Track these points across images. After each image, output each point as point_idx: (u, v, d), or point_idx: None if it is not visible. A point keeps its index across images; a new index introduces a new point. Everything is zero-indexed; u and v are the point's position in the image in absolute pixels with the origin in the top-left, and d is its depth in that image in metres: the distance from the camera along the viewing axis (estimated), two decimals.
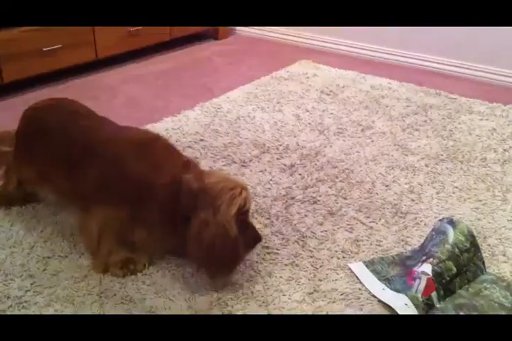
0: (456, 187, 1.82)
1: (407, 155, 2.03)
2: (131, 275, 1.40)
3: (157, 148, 1.40)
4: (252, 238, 1.37)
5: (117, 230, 1.39)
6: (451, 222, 1.45)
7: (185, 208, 1.30)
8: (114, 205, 1.35)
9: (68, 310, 1.29)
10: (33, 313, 1.28)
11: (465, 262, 1.38)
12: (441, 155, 2.03)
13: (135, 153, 1.36)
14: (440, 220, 1.50)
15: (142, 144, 1.39)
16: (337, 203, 1.74)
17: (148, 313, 1.29)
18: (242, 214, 1.32)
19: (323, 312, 1.31)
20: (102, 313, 1.28)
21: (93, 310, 1.30)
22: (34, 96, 2.46)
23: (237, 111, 2.35)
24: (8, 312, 1.28)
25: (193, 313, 1.29)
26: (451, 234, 1.41)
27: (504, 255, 1.51)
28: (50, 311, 1.29)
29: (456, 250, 1.38)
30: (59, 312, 1.28)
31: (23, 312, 1.29)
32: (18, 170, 1.59)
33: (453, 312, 1.29)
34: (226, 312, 1.30)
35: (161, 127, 2.16)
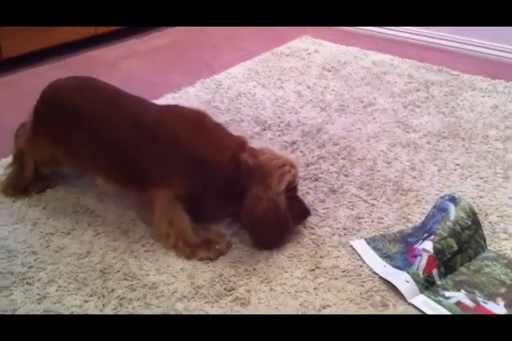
0: (458, 165, 1.82)
1: (408, 132, 2.03)
2: (218, 256, 1.41)
3: (209, 126, 1.45)
4: (301, 212, 1.48)
5: (184, 209, 1.42)
6: (453, 199, 1.45)
7: (241, 184, 1.38)
8: (179, 185, 1.40)
9: (72, 286, 1.30)
10: (36, 289, 1.29)
11: (466, 239, 1.39)
12: (443, 132, 2.02)
13: (191, 133, 1.40)
14: (441, 197, 1.50)
15: (194, 123, 1.43)
16: (338, 180, 1.74)
17: (150, 289, 1.30)
18: (291, 189, 1.42)
19: (325, 289, 1.32)
20: (105, 288, 1.29)
21: (96, 285, 1.31)
22: (33, 72, 2.45)
23: (238, 88, 2.33)
24: (12, 289, 1.29)
25: (195, 289, 1.30)
26: (453, 211, 1.41)
27: (505, 232, 1.51)
28: (54, 287, 1.30)
29: (458, 227, 1.38)
30: (62, 288, 1.30)
31: (26, 287, 1.29)
32: (38, 151, 1.55)
33: (454, 290, 1.30)
34: (228, 288, 1.31)
35: (162, 103, 2.14)
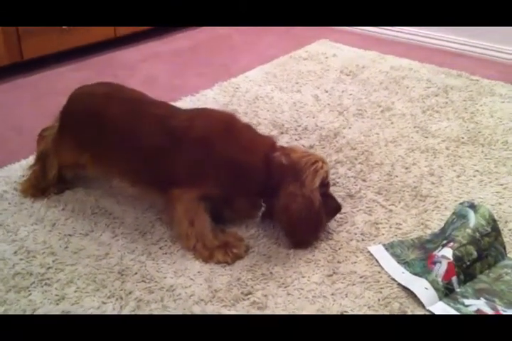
0: (477, 171, 1.81)
1: (427, 137, 2.01)
2: (235, 260, 1.41)
3: (238, 127, 1.46)
4: (333, 207, 1.50)
5: (207, 210, 1.43)
6: (472, 206, 1.44)
7: (274, 181, 1.40)
8: (207, 186, 1.41)
9: (90, 288, 1.31)
10: (55, 290, 1.30)
11: (486, 246, 1.37)
12: (462, 137, 2.01)
13: (223, 136, 1.42)
14: (461, 204, 1.48)
15: (225, 126, 1.44)
16: (356, 185, 1.73)
17: (168, 292, 1.31)
18: (325, 185, 1.44)
19: (343, 294, 1.31)
20: (123, 290, 1.30)
21: (115, 286, 1.31)
22: (53, 74, 2.47)
23: (256, 91, 2.34)
24: (31, 289, 1.30)
25: (213, 292, 1.31)
26: (472, 218, 1.40)
27: None
28: (72, 288, 1.30)
29: (477, 234, 1.37)
30: (80, 290, 1.30)
31: (45, 288, 1.30)
32: (63, 155, 1.56)
33: (473, 298, 1.29)
34: (245, 292, 1.31)
35: (180, 106, 2.14)
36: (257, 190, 1.43)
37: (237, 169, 1.40)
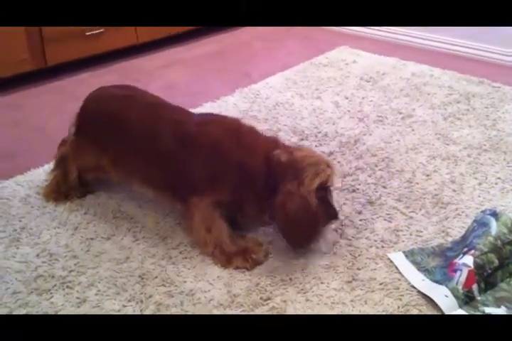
0: (499, 178, 1.79)
1: (448, 144, 2.00)
2: (254, 266, 1.41)
3: (245, 131, 1.47)
4: (329, 215, 1.43)
5: (225, 216, 1.44)
6: (494, 214, 1.43)
7: (273, 179, 1.37)
8: (219, 192, 1.41)
9: (111, 291, 1.32)
10: (76, 293, 1.32)
11: (507, 255, 1.36)
12: (484, 145, 1.99)
13: (231, 141, 1.43)
14: (482, 212, 1.47)
15: (233, 131, 1.45)
16: (376, 192, 1.73)
17: (188, 296, 1.31)
18: (323, 189, 1.39)
19: (362, 301, 1.31)
20: (143, 294, 1.31)
21: (135, 290, 1.32)
22: (76, 80, 2.50)
23: (276, 98, 2.34)
24: (52, 292, 1.32)
25: (232, 297, 1.31)
26: (494, 226, 1.39)
27: None
28: (93, 291, 1.32)
29: (499, 242, 1.36)
30: (101, 293, 1.32)
31: (67, 291, 1.32)
32: (82, 158, 1.59)
33: (494, 306, 1.27)
34: (264, 298, 1.31)
35: (201, 112, 2.17)
36: (262, 192, 1.40)
37: (241, 172, 1.39)
